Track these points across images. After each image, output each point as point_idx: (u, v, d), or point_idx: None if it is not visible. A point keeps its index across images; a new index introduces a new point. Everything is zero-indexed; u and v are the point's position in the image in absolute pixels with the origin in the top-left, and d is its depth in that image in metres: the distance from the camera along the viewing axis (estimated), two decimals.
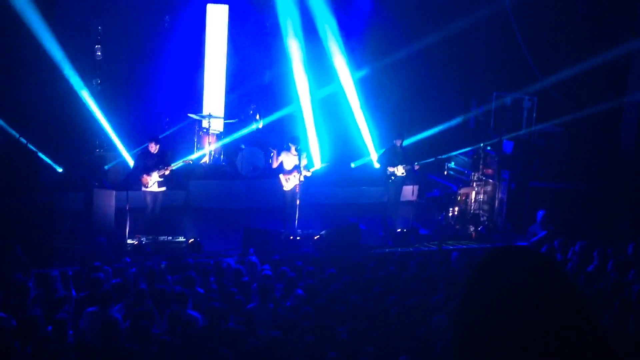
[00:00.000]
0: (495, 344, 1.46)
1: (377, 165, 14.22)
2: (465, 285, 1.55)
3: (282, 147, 13.24)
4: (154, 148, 11.78)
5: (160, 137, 12.31)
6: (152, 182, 11.78)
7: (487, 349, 1.46)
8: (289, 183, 12.71)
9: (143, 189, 11.83)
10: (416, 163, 13.28)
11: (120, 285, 8.65)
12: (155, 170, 11.73)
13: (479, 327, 1.48)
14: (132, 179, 12.17)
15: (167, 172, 11.79)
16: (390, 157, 13.23)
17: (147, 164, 11.79)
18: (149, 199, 11.90)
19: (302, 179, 12.62)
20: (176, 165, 12.24)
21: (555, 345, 1.43)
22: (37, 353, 6.58)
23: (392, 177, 13.20)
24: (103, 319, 7.37)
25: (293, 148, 12.71)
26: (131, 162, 13.30)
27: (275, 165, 13.04)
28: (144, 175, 11.72)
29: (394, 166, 13.12)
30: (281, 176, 12.73)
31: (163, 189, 11.93)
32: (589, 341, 1.45)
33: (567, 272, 1.55)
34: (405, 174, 13.21)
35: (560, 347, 1.43)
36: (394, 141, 13.30)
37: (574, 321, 1.46)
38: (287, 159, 12.74)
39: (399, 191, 13.53)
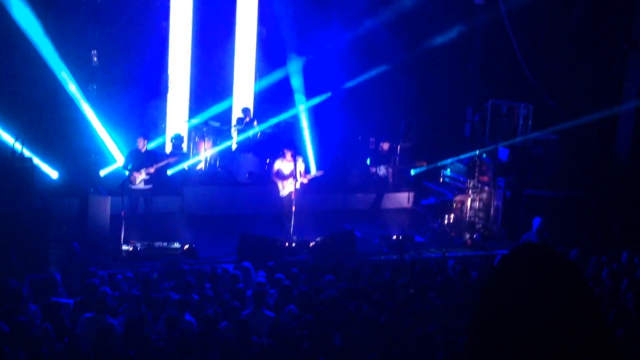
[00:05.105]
0: (512, 344, 1.46)
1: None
2: (484, 284, 1.55)
3: (278, 154, 13.22)
4: (142, 144, 12.27)
5: (149, 134, 12.71)
6: (139, 180, 12.18)
7: (504, 348, 1.46)
8: (285, 189, 12.69)
9: (132, 186, 12.13)
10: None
11: (115, 291, 8.60)
12: (142, 168, 12.13)
13: (496, 325, 1.48)
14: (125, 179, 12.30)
15: (152, 170, 12.22)
16: (375, 158, 14.62)
17: (135, 163, 12.16)
18: (138, 197, 12.25)
19: (297, 186, 12.60)
20: (161, 164, 12.45)
21: (569, 345, 1.44)
22: (30, 358, 6.55)
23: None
24: (98, 325, 7.34)
25: (288, 155, 12.69)
26: None
27: (272, 172, 13.00)
28: (134, 173, 12.15)
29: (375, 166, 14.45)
30: (278, 182, 12.73)
31: (149, 186, 12.33)
32: (600, 341, 1.46)
33: (581, 271, 1.55)
34: (386, 174, 14.37)
35: (574, 347, 1.44)
36: (380, 144, 14.45)
37: (588, 321, 1.47)
38: (283, 166, 12.72)
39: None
